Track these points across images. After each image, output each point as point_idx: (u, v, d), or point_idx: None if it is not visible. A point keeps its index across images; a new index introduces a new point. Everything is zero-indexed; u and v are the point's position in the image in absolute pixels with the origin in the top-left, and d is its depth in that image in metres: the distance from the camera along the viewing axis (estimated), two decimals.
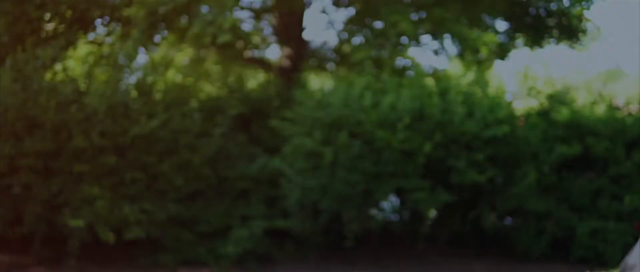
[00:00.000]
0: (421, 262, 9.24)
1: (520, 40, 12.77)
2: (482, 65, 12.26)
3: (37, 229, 8.92)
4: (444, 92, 9.28)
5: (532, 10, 12.38)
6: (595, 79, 32.97)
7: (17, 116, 8.77)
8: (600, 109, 9.91)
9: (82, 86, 9.30)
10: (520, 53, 13.23)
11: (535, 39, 12.64)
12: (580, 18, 11.97)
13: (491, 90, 9.68)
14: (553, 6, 12.17)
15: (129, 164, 8.95)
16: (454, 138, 8.72)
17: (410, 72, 11.89)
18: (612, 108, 9.97)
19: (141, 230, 8.78)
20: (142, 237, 8.85)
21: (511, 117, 9.04)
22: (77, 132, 8.76)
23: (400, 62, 12.38)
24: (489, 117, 8.77)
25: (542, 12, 12.38)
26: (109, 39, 11.18)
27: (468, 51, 11.65)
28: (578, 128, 9.54)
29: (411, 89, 9.24)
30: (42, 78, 9.17)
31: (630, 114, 9.95)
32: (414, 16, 11.18)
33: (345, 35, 12.23)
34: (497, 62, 13.92)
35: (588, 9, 11.94)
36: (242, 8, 11.34)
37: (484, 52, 11.68)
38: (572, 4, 11.57)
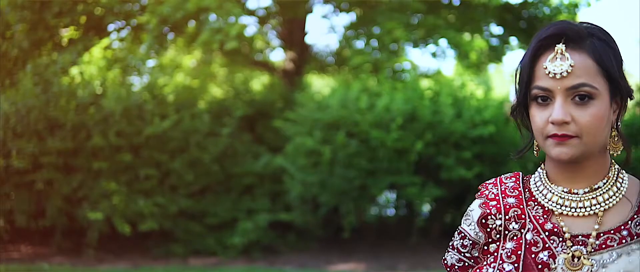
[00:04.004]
0: (414, 254, 9.67)
1: (516, 43, 13.20)
2: (476, 68, 12.81)
3: (58, 221, 9.55)
4: (435, 95, 9.81)
5: (524, 14, 12.84)
6: None
7: (39, 117, 9.39)
8: None
9: (99, 89, 9.86)
10: (518, 56, 13.60)
11: (528, 43, 13.10)
12: None
13: (479, 92, 10.20)
14: (545, 11, 12.63)
15: (143, 161, 9.55)
16: (443, 137, 9.21)
17: (406, 75, 12.43)
18: None
19: (154, 222, 9.38)
20: (155, 229, 9.45)
21: (497, 118, 9.50)
22: (95, 132, 9.37)
23: (397, 65, 12.92)
24: (477, 118, 9.27)
25: (533, 17, 12.84)
26: (122, 44, 11.72)
27: (461, 55, 12.18)
28: None
29: (404, 91, 9.76)
30: (61, 82, 9.75)
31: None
32: (409, 22, 11.68)
33: (345, 40, 12.70)
34: (498, 64, 14.43)
35: (575, 15, 12.43)
36: (247, 13, 11.79)
37: (473, 57, 12.15)
38: (555, 11, 11.98)
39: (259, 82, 13.14)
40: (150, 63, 11.66)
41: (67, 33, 11.47)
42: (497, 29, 12.93)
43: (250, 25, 12.05)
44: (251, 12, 12.04)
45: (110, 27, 11.88)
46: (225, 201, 9.90)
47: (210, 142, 9.91)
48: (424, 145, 9.10)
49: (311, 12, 12.41)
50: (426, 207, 10.55)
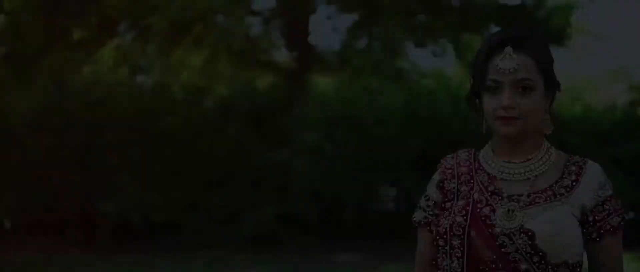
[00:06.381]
0: (414, 245, 9.93)
1: None
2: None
3: (73, 214, 9.93)
4: (433, 93, 10.17)
5: (521, 15, 13.14)
6: (600, 79, 33.01)
7: (54, 114, 9.77)
8: (577, 108, 10.76)
9: (111, 88, 10.22)
10: None
11: None
12: (562, 25, 12.71)
13: None
14: (542, 13, 12.95)
15: (154, 156, 9.91)
16: (441, 134, 9.59)
17: (407, 74, 12.76)
18: (588, 107, 10.87)
19: (165, 215, 9.75)
20: (165, 221, 9.82)
21: None
22: (108, 128, 9.75)
23: (398, 65, 13.24)
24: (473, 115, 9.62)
25: (530, 18, 13.15)
26: (132, 44, 12.07)
27: (459, 55, 12.51)
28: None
29: (404, 90, 10.12)
30: (74, 80, 10.12)
31: (604, 112, 10.77)
32: (410, 23, 11.99)
33: (348, 40, 13.01)
34: None
35: (571, 15, 12.76)
36: (253, 14, 12.14)
37: (469, 56, 12.45)
38: (551, 13, 12.29)
39: (264, 80, 13.43)
40: (159, 63, 11.98)
41: (80, 33, 11.82)
42: (496, 30, 13.20)
43: (256, 26, 12.36)
44: (256, 13, 12.35)
45: (121, 27, 12.24)
46: (232, 195, 10.19)
47: (218, 138, 10.24)
48: (423, 141, 9.45)
49: (314, 13, 12.70)
50: None
